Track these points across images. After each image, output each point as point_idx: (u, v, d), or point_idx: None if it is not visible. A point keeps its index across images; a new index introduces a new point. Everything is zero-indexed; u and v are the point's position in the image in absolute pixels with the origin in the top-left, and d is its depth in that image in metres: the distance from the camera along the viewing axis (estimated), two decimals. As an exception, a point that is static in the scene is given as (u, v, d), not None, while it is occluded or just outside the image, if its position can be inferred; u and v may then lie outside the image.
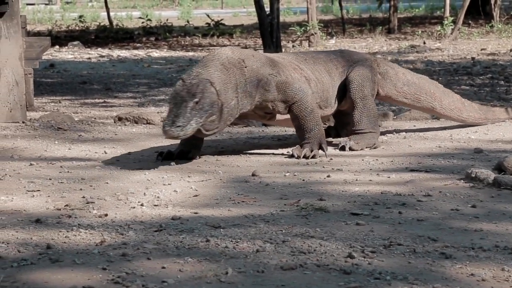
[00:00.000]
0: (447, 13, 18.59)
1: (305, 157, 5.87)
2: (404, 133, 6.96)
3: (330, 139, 6.59)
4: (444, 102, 6.79)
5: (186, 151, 5.93)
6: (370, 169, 5.58)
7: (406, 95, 6.66)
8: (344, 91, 6.42)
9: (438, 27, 18.09)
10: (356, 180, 5.24)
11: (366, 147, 6.28)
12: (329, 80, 6.35)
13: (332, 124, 6.93)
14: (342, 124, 6.71)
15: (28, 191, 4.99)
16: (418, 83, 6.72)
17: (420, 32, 18.63)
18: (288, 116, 6.06)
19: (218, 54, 5.84)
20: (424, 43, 16.54)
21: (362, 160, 5.89)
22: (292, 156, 5.92)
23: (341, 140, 6.38)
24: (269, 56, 6.27)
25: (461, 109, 6.90)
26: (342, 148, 6.25)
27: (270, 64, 5.99)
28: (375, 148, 6.32)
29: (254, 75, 5.85)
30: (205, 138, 6.02)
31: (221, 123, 5.70)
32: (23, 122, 7.40)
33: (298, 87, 5.95)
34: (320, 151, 5.95)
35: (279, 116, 6.10)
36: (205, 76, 5.62)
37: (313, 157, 5.88)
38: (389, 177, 5.32)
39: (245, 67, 5.83)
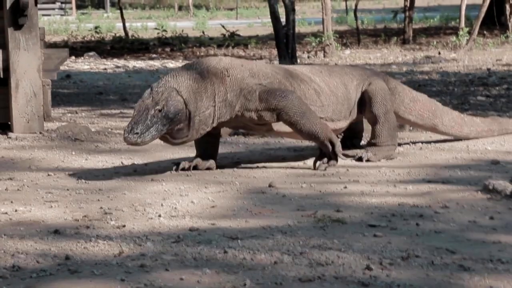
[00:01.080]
0: (462, 24, 18.55)
1: (325, 166, 5.92)
2: (420, 144, 6.95)
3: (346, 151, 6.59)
4: (445, 119, 6.75)
5: (203, 162, 5.94)
6: (387, 180, 5.58)
7: (412, 111, 6.61)
8: (360, 104, 6.38)
9: (453, 38, 18.05)
10: (373, 191, 5.24)
11: (383, 159, 6.28)
12: (345, 92, 6.29)
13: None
14: (353, 132, 6.68)
15: (46, 201, 5.02)
16: (422, 100, 6.69)
17: (435, 42, 18.60)
18: (289, 129, 5.99)
19: (198, 63, 5.81)
20: (439, 53, 16.51)
21: (379, 171, 5.88)
22: (316, 168, 5.96)
23: (358, 152, 6.38)
24: (270, 67, 6.16)
25: (461, 124, 6.86)
26: (359, 159, 6.25)
27: (263, 75, 5.89)
28: (391, 159, 6.32)
29: (236, 85, 5.77)
30: (221, 150, 6.03)
31: (192, 132, 5.64)
32: (40, 133, 7.45)
33: (281, 94, 5.79)
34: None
35: (277, 128, 6.02)
36: (172, 84, 5.58)
37: (334, 163, 5.95)
38: (406, 188, 5.32)
39: (228, 77, 5.76)
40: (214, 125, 5.77)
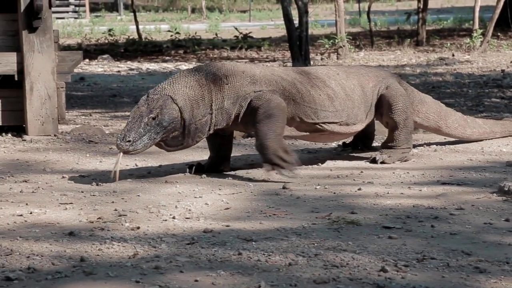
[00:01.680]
0: (476, 26, 18.49)
1: (284, 171, 5.58)
2: (434, 146, 6.93)
3: (357, 153, 6.57)
4: (449, 121, 6.70)
5: (217, 164, 5.94)
6: (401, 182, 5.56)
7: (419, 113, 6.55)
8: (377, 106, 6.34)
9: (467, 40, 17.99)
10: (388, 193, 5.23)
11: (398, 161, 6.26)
12: (362, 95, 6.20)
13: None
14: (365, 133, 6.62)
15: (61, 203, 5.03)
16: (428, 102, 6.64)
17: (449, 44, 18.55)
18: (300, 132, 5.96)
19: (196, 70, 5.74)
20: (453, 55, 16.47)
21: (393, 173, 5.87)
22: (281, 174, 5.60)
23: (373, 154, 6.36)
24: (279, 72, 6.01)
25: (464, 126, 6.82)
26: (373, 161, 6.23)
27: (265, 81, 5.79)
28: (405, 161, 6.30)
29: (233, 92, 5.69)
30: (234, 152, 6.02)
31: (188, 139, 5.61)
32: (55, 135, 7.47)
33: (266, 95, 5.66)
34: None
35: (287, 133, 5.91)
36: (168, 92, 5.54)
37: (288, 173, 5.58)
38: (420, 190, 5.30)
39: (226, 84, 5.70)
40: (211, 132, 5.73)
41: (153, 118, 5.42)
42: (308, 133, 6.07)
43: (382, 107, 6.29)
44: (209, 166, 5.94)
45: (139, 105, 5.52)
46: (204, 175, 5.78)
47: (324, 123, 6.00)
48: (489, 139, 6.98)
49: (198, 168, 5.91)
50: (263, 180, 5.65)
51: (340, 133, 6.16)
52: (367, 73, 6.40)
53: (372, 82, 6.31)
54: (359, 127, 6.23)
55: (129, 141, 5.36)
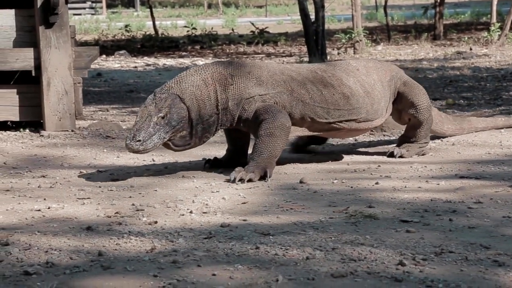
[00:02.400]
0: (494, 19, 18.39)
1: (240, 180, 5.38)
2: (452, 139, 6.90)
3: (372, 148, 6.55)
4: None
5: (234, 158, 5.93)
6: (419, 176, 5.54)
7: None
8: (394, 101, 6.27)
9: (485, 33, 17.90)
10: (405, 187, 5.20)
11: (415, 155, 6.24)
12: (382, 90, 6.12)
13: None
14: None
15: (79, 198, 5.05)
16: None
17: (466, 38, 18.46)
18: (311, 132, 5.91)
19: (203, 69, 5.66)
20: (471, 49, 16.38)
21: (411, 167, 5.84)
22: (229, 180, 5.43)
23: (390, 148, 6.33)
24: (289, 71, 5.86)
25: (442, 121, 6.79)
26: (391, 155, 6.21)
27: (272, 83, 5.68)
28: (423, 154, 6.27)
29: (237, 94, 5.62)
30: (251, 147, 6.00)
31: (195, 139, 5.58)
32: (72, 131, 7.49)
33: (272, 109, 5.56)
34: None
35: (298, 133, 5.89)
36: (176, 91, 5.50)
37: (249, 180, 5.39)
38: (438, 184, 5.28)
39: (231, 85, 5.63)
40: (217, 132, 5.73)
41: (162, 117, 5.40)
42: (322, 132, 6.01)
43: (402, 103, 6.24)
44: (226, 160, 5.94)
45: (146, 104, 5.47)
46: (221, 170, 5.78)
47: (340, 121, 5.92)
48: (458, 135, 6.98)
49: (215, 163, 5.91)
50: (280, 174, 5.64)
51: (359, 130, 6.10)
52: (382, 67, 6.32)
53: (388, 77, 6.25)
54: (379, 121, 6.18)
55: (139, 140, 5.33)
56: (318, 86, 5.85)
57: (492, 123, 7.24)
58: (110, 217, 4.56)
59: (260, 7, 39.74)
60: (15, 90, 7.67)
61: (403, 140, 6.35)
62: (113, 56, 17.51)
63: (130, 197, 5.07)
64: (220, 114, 5.62)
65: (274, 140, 5.55)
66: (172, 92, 5.50)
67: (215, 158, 5.97)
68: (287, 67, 5.98)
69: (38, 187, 5.41)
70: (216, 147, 6.58)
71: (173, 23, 28.44)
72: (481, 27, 22.08)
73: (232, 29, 23.43)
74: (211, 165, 5.89)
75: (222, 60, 8.22)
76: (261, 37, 20.45)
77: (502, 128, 7.26)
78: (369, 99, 6.02)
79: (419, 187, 5.19)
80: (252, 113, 5.61)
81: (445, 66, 13.51)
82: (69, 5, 7.61)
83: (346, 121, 5.95)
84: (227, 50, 19.07)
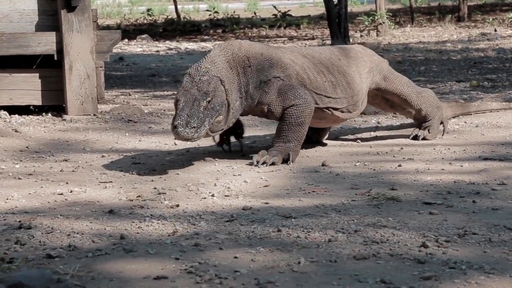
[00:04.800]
0: (519, 0, 18.23)
1: (263, 164, 5.36)
2: (476, 121, 6.84)
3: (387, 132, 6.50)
4: None
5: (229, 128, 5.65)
6: (442, 158, 5.50)
7: None
8: (385, 98, 6.19)
9: (510, 14, 17.73)
10: (428, 169, 5.17)
11: (438, 134, 6.22)
12: (360, 82, 5.96)
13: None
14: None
15: (101, 182, 5.05)
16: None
17: (491, 19, 18.29)
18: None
19: (224, 49, 5.42)
20: (495, 30, 16.23)
21: (434, 149, 5.80)
22: (252, 163, 5.40)
23: (413, 131, 6.29)
24: (291, 55, 5.76)
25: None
26: (415, 138, 6.19)
27: (281, 66, 5.56)
28: (447, 133, 6.23)
29: (256, 76, 5.45)
30: (269, 131, 5.99)
31: (226, 124, 5.34)
32: (94, 115, 7.50)
33: (301, 93, 5.47)
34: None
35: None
36: (215, 73, 5.24)
37: (272, 164, 5.37)
38: (461, 166, 5.24)
39: (249, 67, 5.44)
40: (237, 117, 5.50)
41: (209, 102, 5.16)
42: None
43: (391, 99, 6.16)
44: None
45: (186, 87, 5.19)
46: (243, 153, 5.77)
47: (327, 108, 5.78)
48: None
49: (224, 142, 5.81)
50: (302, 157, 5.62)
51: (340, 119, 5.96)
52: (362, 57, 6.11)
53: (367, 68, 6.07)
54: (357, 113, 6.05)
55: (194, 127, 5.02)
56: (313, 72, 5.75)
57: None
58: (132, 200, 4.56)
59: (283, -10, 39.57)
60: (37, 74, 7.68)
61: (418, 124, 6.30)
62: (135, 40, 17.52)
63: (152, 180, 5.07)
64: (243, 98, 5.46)
65: (303, 129, 5.47)
66: (212, 74, 5.25)
67: (221, 137, 5.84)
68: (287, 52, 5.82)
69: (61, 171, 5.42)
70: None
71: (195, 7, 28.41)
72: (506, 8, 21.87)
73: (254, 13, 23.35)
74: (233, 148, 5.83)
75: (234, 40, 8.06)
76: (283, 20, 20.38)
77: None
78: (351, 90, 5.89)
79: (442, 169, 5.15)
80: (273, 95, 5.48)
81: (469, 48, 13.40)
82: (91, -11, 7.60)
83: (333, 109, 5.81)
84: (249, 34, 19.02)
